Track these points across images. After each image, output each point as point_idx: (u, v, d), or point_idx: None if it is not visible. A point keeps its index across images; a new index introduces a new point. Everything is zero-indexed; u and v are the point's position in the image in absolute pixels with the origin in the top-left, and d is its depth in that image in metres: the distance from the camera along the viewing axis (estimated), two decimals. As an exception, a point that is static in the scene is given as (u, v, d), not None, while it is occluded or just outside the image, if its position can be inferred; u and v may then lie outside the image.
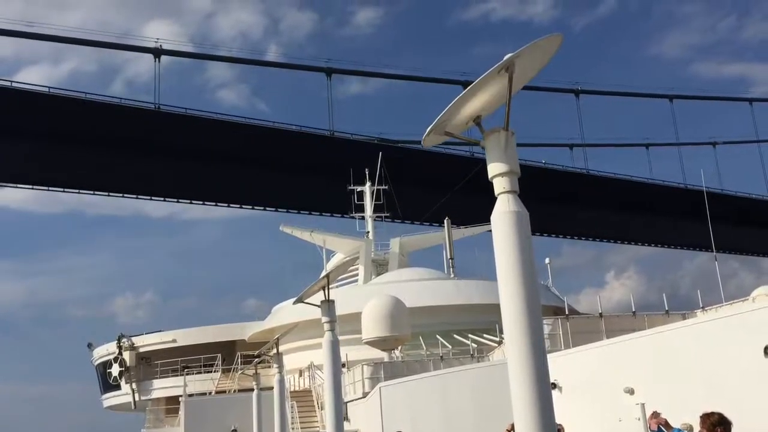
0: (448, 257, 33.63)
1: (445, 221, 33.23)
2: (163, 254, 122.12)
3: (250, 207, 47.21)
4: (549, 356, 3.49)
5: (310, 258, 40.64)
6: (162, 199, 45.90)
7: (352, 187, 39.56)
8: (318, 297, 8.24)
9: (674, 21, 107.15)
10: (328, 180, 42.63)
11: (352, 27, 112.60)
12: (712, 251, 30.59)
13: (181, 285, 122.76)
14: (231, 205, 46.84)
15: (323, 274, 9.70)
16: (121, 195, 44.76)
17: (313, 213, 47.90)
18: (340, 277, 35.60)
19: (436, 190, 40.58)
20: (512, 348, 3.29)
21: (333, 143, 46.16)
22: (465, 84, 41.97)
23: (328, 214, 47.57)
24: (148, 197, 45.48)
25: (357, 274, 37.84)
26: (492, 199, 3.59)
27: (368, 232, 39.46)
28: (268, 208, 47.61)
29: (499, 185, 3.56)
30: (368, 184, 39.44)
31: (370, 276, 37.04)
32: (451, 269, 33.64)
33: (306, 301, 8.54)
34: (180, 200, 45.84)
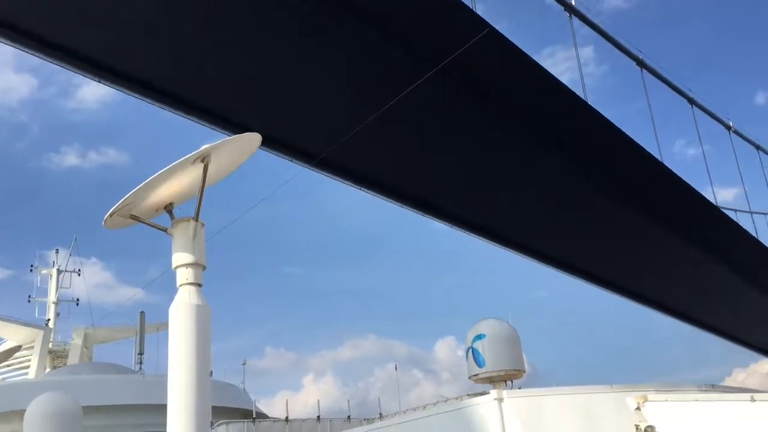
0: (138, 352, 31.54)
1: (139, 314, 31.52)
2: None
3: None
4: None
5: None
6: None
7: (36, 267, 35.82)
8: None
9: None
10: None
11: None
12: None
13: None
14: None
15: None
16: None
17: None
18: (4, 368, 31.84)
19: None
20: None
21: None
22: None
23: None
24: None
25: (29, 365, 33.65)
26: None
27: (49, 319, 35.78)
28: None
29: (182, 276, 3.43)
30: (56, 267, 36.28)
31: (44, 368, 33.13)
32: (140, 365, 31.50)
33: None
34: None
